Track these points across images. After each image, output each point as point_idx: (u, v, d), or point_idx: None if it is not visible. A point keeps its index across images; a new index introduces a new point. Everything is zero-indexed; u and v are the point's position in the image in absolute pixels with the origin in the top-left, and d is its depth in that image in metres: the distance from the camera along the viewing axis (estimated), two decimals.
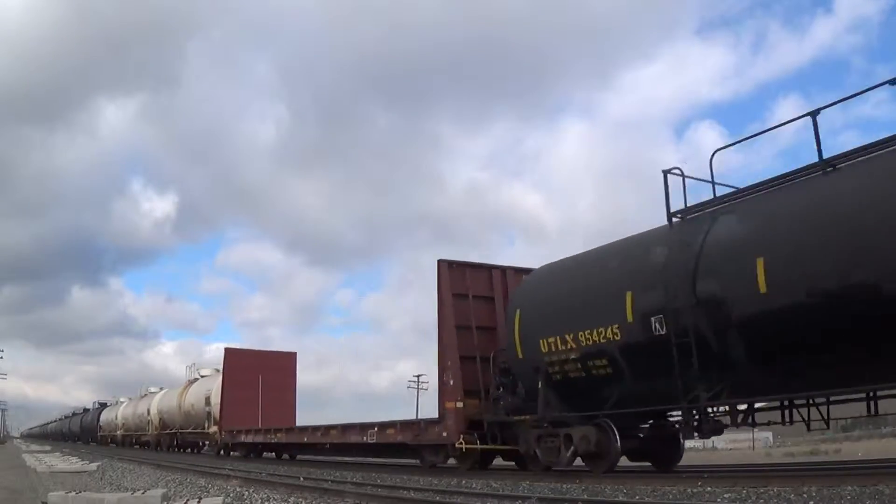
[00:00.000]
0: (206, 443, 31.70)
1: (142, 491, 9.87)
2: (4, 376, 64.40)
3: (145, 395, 44.93)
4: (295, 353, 30.67)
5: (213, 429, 28.34)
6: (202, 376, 34.73)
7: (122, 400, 52.88)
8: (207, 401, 30.48)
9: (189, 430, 33.22)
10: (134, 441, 44.51)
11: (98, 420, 55.99)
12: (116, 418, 49.35)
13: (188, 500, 9.09)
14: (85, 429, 61.66)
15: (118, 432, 48.11)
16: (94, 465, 18.79)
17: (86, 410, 68.18)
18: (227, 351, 29.03)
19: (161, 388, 43.37)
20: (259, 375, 27.27)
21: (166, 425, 37.27)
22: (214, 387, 29.77)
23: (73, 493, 9.44)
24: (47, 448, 40.88)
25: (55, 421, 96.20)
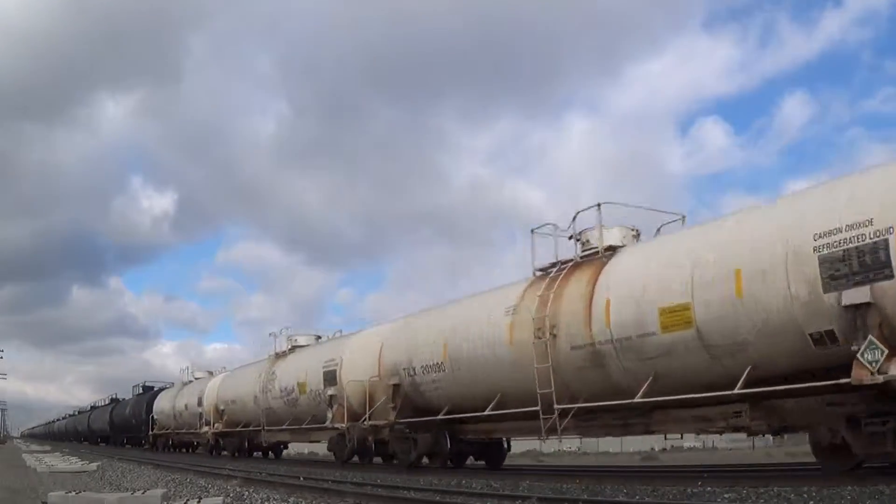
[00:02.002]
0: None
1: (142, 491, 9.87)
2: (4, 376, 63.59)
3: (290, 349, 21.63)
4: None
5: None
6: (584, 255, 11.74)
7: (198, 375, 32.35)
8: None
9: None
10: (265, 444, 23.82)
11: (149, 411, 35.82)
12: (200, 403, 27.89)
13: (188, 500, 9.09)
14: (120, 426, 43.30)
15: (205, 429, 26.88)
16: (93, 465, 18.79)
17: (116, 401, 49.67)
18: None
19: (323, 336, 21.61)
20: None
21: (433, 405, 14.23)
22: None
23: (73, 493, 9.44)
24: (47, 448, 40.87)
25: (64, 418, 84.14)
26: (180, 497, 9.89)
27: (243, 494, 10.37)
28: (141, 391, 42.52)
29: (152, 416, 35.23)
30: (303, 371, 19.34)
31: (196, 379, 32.07)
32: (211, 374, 31.00)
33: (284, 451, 27.14)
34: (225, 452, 26.66)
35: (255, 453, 25.28)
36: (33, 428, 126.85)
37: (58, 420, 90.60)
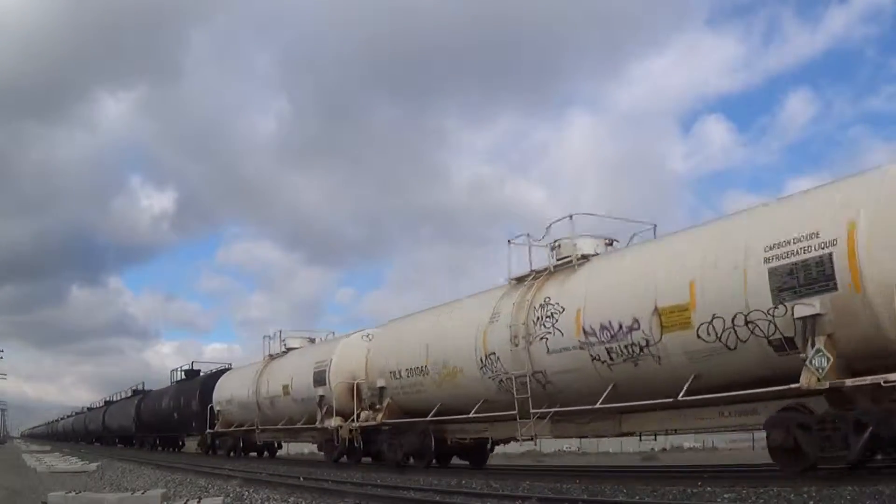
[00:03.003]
0: None
1: (142, 491, 9.88)
2: (4, 376, 63.60)
3: (580, 259, 11.41)
4: None
5: None
6: None
7: (293, 345, 21.80)
8: None
9: None
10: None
11: (205, 401, 25.98)
12: (322, 382, 17.85)
13: (188, 500, 9.10)
14: (151, 423, 33.80)
15: (334, 422, 17.01)
16: (93, 465, 18.79)
17: (139, 392, 39.18)
18: None
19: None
20: None
21: None
22: None
23: (73, 493, 9.45)
24: (47, 448, 40.85)
25: (69, 416, 76.54)
26: (180, 497, 9.90)
27: (243, 494, 10.37)
28: (183, 377, 32.17)
29: (211, 408, 25.29)
30: (676, 285, 9.27)
31: (289, 350, 21.72)
32: (312, 340, 21.69)
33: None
34: (367, 458, 17.06)
35: (430, 459, 14.53)
36: (34, 428, 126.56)
37: (62, 419, 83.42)
